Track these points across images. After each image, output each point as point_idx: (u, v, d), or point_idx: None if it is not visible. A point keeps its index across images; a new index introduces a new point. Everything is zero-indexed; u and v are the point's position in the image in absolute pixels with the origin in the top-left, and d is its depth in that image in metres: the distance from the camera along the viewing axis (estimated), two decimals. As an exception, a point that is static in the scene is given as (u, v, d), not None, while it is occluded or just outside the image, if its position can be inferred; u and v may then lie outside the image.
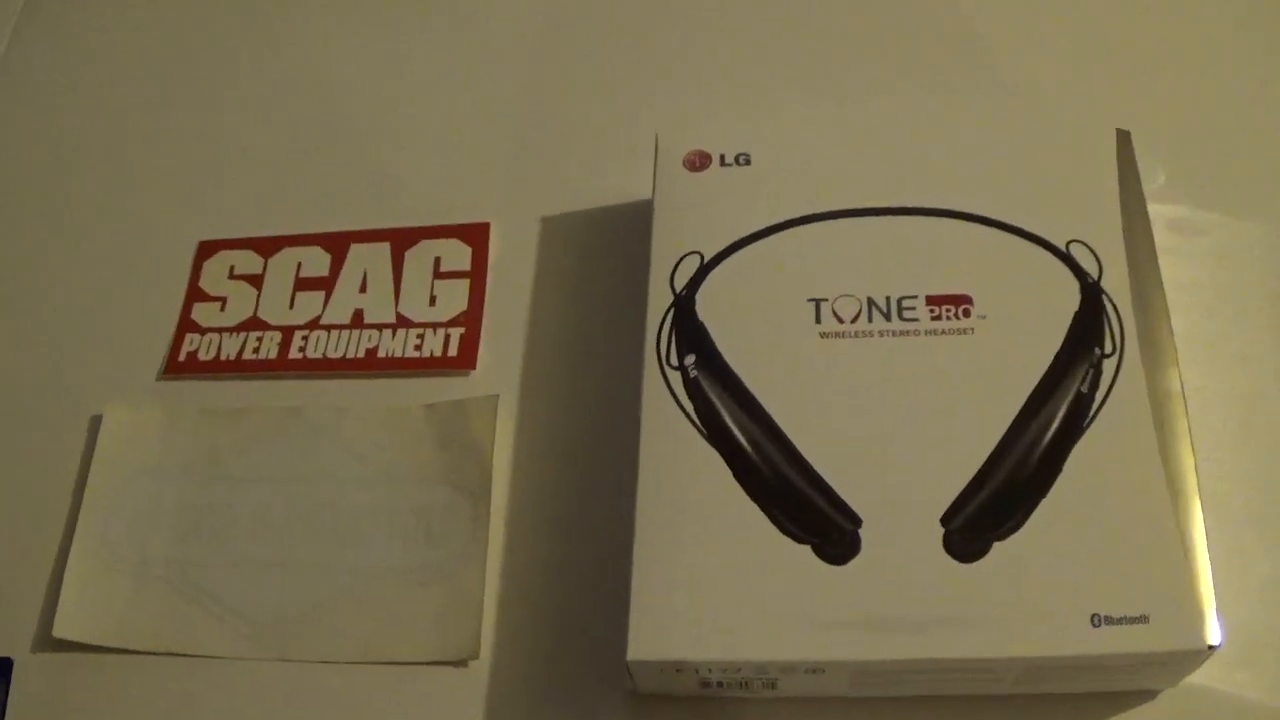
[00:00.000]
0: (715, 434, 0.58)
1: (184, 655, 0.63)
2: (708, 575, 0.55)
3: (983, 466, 0.56)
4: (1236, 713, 0.57)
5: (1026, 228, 0.62)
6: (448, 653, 0.61)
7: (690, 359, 0.60)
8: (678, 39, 0.81)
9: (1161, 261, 0.61)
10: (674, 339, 0.61)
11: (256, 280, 0.74)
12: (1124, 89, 0.76)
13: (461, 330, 0.70)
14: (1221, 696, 0.57)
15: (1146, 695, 0.57)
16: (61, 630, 0.64)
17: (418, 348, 0.70)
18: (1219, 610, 0.52)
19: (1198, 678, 0.56)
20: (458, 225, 0.75)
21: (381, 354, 0.70)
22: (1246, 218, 0.70)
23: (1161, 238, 0.63)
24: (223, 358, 0.72)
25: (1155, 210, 0.63)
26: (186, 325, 0.73)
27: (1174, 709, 0.57)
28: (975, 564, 0.54)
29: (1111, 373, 0.58)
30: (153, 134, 0.83)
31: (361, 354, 0.70)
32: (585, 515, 0.64)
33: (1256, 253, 0.69)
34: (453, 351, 0.70)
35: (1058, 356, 0.58)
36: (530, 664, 0.61)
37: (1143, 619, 0.52)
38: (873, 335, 0.60)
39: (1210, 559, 0.53)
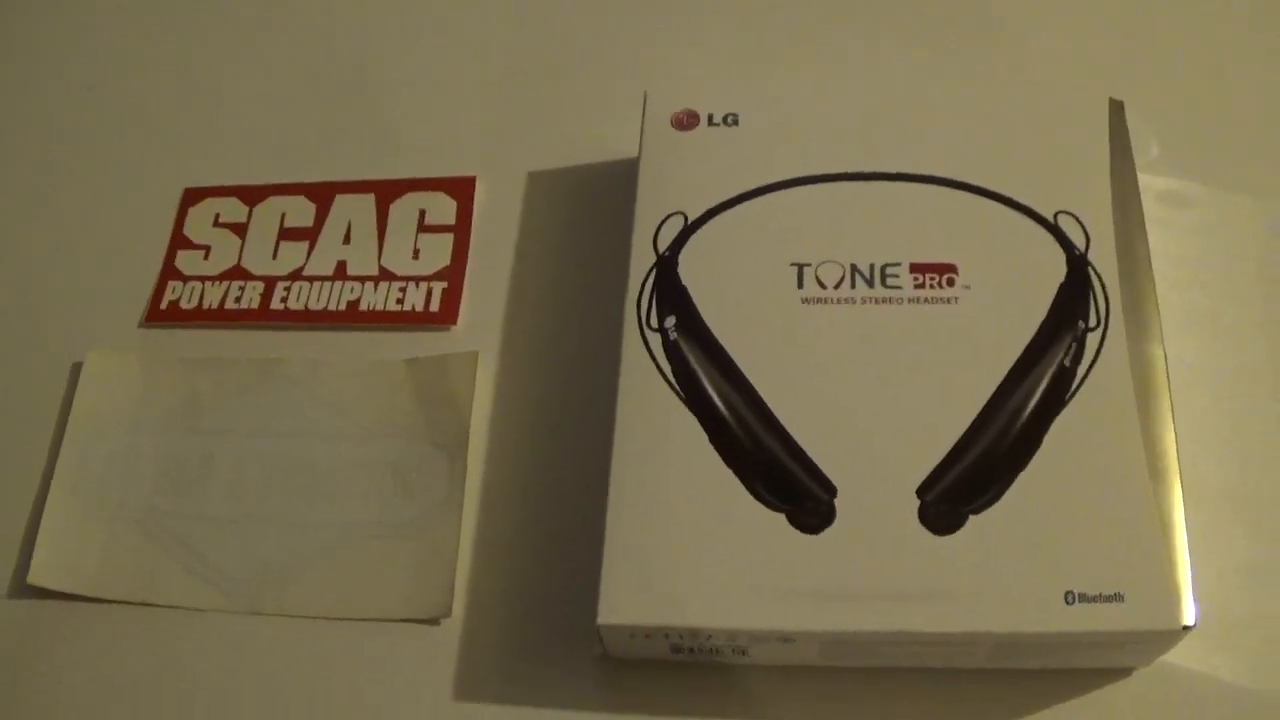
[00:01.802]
0: (693, 398, 0.58)
1: (158, 606, 0.63)
2: (680, 540, 0.55)
3: (961, 438, 0.56)
4: (1210, 693, 0.56)
5: (1014, 197, 0.61)
6: (420, 610, 0.61)
7: (670, 321, 0.60)
8: (670, -4, 0.81)
9: (1150, 234, 0.61)
10: (655, 300, 0.60)
11: (241, 229, 0.74)
12: (1119, 58, 0.75)
13: (444, 285, 0.70)
14: (1196, 676, 0.57)
15: (1120, 673, 0.57)
16: (36, 578, 0.63)
17: (399, 301, 0.70)
18: (1196, 590, 0.52)
19: (1172, 657, 0.56)
20: (443, 178, 0.74)
21: (363, 307, 0.70)
22: (1238, 192, 0.69)
23: (1151, 210, 0.62)
24: (205, 307, 0.71)
25: (1146, 182, 0.63)
26: (169, 273, 0.73)
27: (1148, 687, 0.57)
28: (950, 537, 0.54)
29: (1095, 347, 0.57)
30: (141, 79, 0.82)
31: (343, 306, 0.70)
32: (562, 475, 0.64)
33: (1247, 228, 0.68)
34: (434, 306, 0.69)
35: (1041, 329, 0.58)
36: (502, 624, 0.61)
37: (1118, 597, 0.52)
38: (855, 302, 0.59)
39: (1188, 539, 0.53)
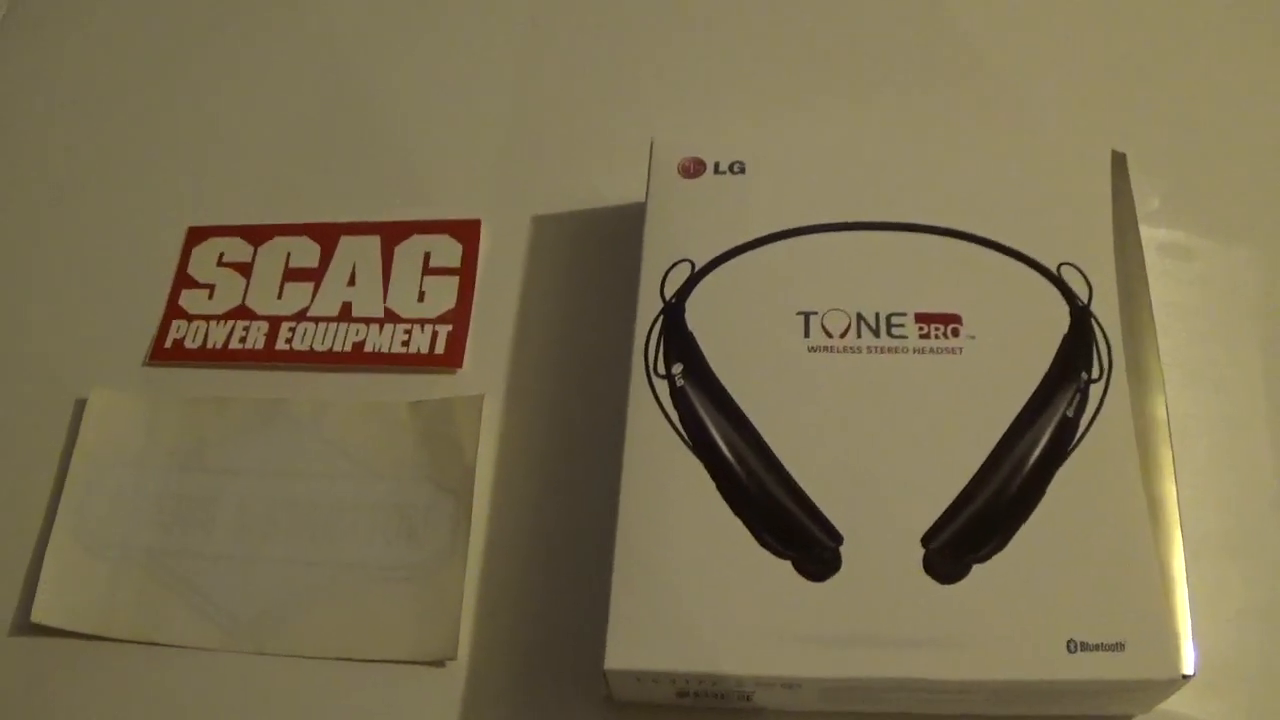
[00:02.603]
0: (700, 445, 0.58)
1: (161, 645, 0.63)
2: (687, 586, 0.55)
3: (965, 488, 0.56)
4: (1208, 741, 0.57)
5: (1018, 248, 0.62)
6: (425, 652, 0.61)
7: (678, 368, 0.60)
8: (677, 44, 0.81)
9: (1152, 285, 0.61)
10: (662, 347, 0.61)
11: (245, 269, 0.74)
12: (1121, 110, 0.75)
13: (449, 327, 0.70)
14: (1194, 723, 0.57)
15: (1120, 720, 0.57)
16: (40, 616, 0.63)
17: (405, 343, 0.70)
18: (1195, 639, 0.53)
19: (1171, 704, 0.56)
20: (449, 221, 0.74)
21: (368, 348, 0.70)
22: (1239, 244, 0.70)
23: (1153, 261, 0.63)
24: (209, 346, 0.71)
25: (1148, 234, 0.64)
26: (174, 312, 0.73)
27: (1147, 734, 0.57)
28: (954, 585, 0.54)
29: (1098, 398, 0.58)
30: (146, 119, 0.83)
31: (348, 348, 0.70)
32: (567, 520, 0.64)
33: (1248, 279, 0.69)
34: (440, 349, 0.69)
35: (1044, 379, 0.58)
36: (508, 667, 0.61)
37: (1119, 646, 0.52)
38: (861, 351, 0.60)
39: (1188, 588, 0.54)
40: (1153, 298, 0.61)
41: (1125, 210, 0.63)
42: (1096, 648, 0.52)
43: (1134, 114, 0.75)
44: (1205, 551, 0.59)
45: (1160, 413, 0.58)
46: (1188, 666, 0.52)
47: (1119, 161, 0.65)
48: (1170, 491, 0.56)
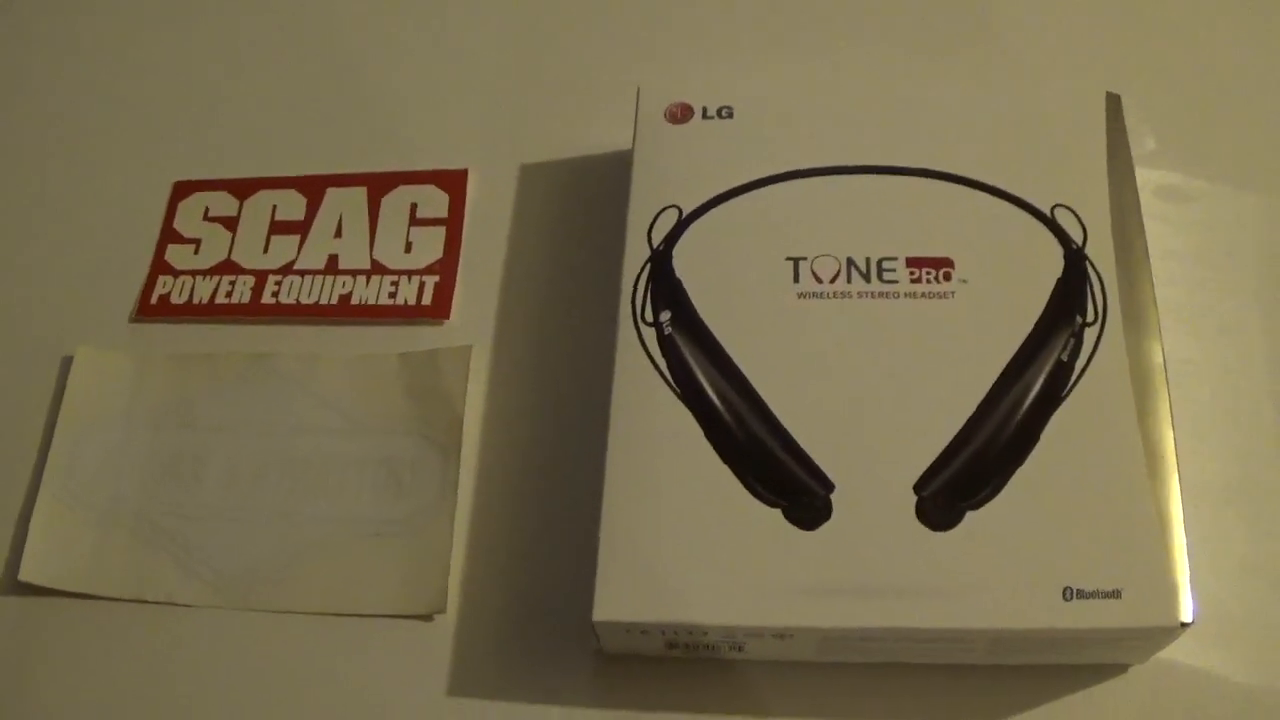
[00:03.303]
0: (688, 393, 0.57)
1: (149, 602, 0.62)
2: (676, 536, 0.54)
3: (958, 434, 0.55)
4: (1206, 690, 0.56)
5: (1011, 191, 0.61)
6: (414, 606, 0.61)
7: (665, 315, 0.59)
8: (664, -11, 0.80)
9: (1148, 229, 0.60)
10: (650, 294, 0.60)
11: (231, 223, 0.73)
12: (1115, 52, 0.75)
13: (436, 278, 0.70)
14: (1192, 673, 0.57)
15: (1117, 669, 0.57)
16: (27, 574, 0.63)
17: (392, 295, 0.69)
18: (1194, 587, 0.52)
19: (1169, 653, 0.55)
20: (435, 171, 0.74)
21: (355, 301, 0.69)
22: (1236, 186, 0.69)
23: (1149, 204, 0.62)
24: (195, 301, 0.71)
25: (1144, 176, 0.63)
26: (160, 267, 0.72)
27: (1144, 684, 0.57)
28: (947, 533, 0.53)
29: (1092, 342, 0.57)
30: (131, 73, 0.82)
31: (335, 300, 0.69)
32: (556, 470, 0.64)
33: (1245, 223, 0.68)
34: (427, 300, 0.69)
35: (1038, 323, 0.58)
36: (496, 620, 0.60)
37: (1115, 594, 0.52)
38: (851, 296, 0.59)
39: (1186, 535, 0.53)
40: (1149, 243, 0.60)
41: (1120, 153, 0.62)
42: (1093, 595, 0.52)
43: (1128, 55, 0.74)
44: (1205, 501, 0.59)
45: (1157, 357, 0.57)
46: (1186, 614, 0.51)
47: (1114, 103, 0.64)
48: (1167, 436, 0.55)
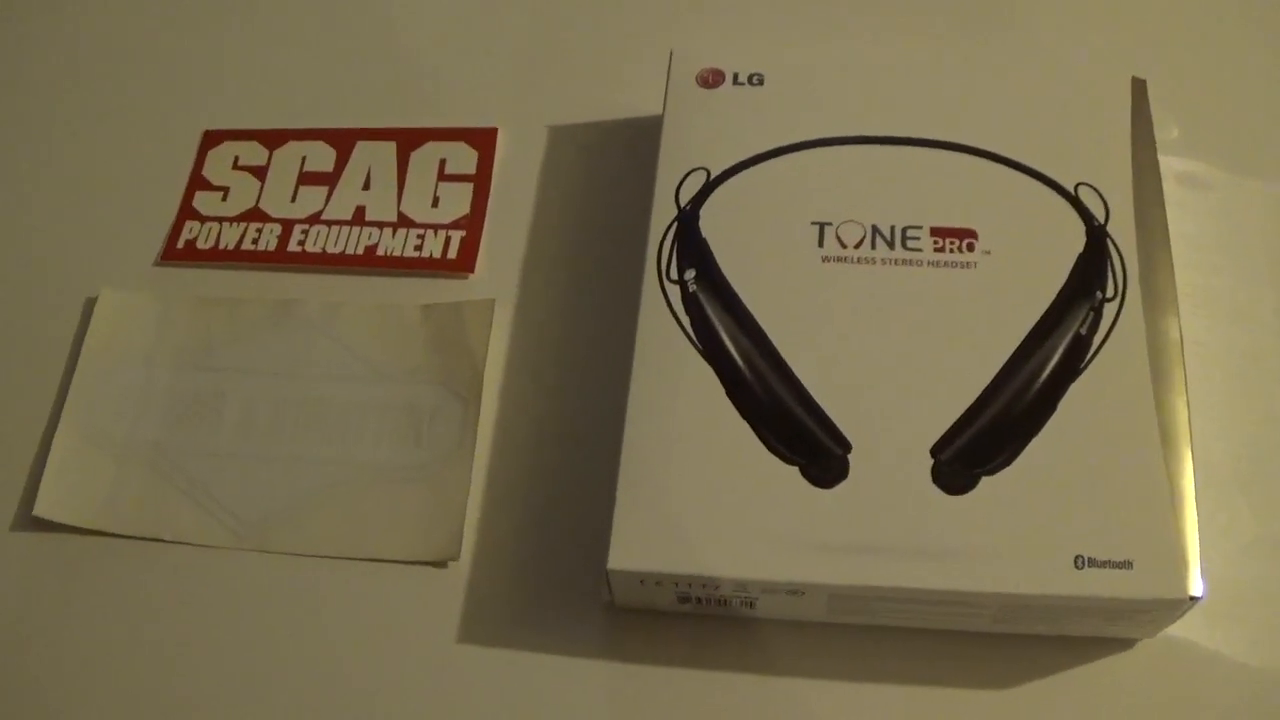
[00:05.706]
0: (710, 350, 0.58)
1: (165, 541, 0.63)
2: (693, 489, 0.55)
3: (976, 400, 0.56)
4: (1212, 667, 0.57)
5: (1036, 167, 0.61)
6: (428, 553, 0.61)
7: (690, 274, 0.60)
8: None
9: (1169, 215, 0.61)
10: (675, 253, 0.61)
11: (260, 172, 0.74)
12: (1143, 37, 0.75)
13: (462, 233, 0.70)
14: (1198, 650, 0.57)
15: (1124, 644, 0.57)
16: (42, 510, 0.63)
17: (418, 248, 0.70)
18: (1203, 564, 0.52)
19: (1176, 630, 0.56)
20: (465, 129, 0.74)
21: (381, 252, 0.70)
22: (1256, 176, 0.69)
23: (1170, 190, 0.62)
24: (221, 247, 0.71)
25: (1165, 162, 0.63)
26: (187, 213, 0.73)
27: (1151, 659, 0.57)
28: (962, 497, 0.54)
29: (1111, 317, 0.58)
30: (164, 22, 0.82)
31: (360, 251, 0.70)
32: (575, 424, 0.64)
33: (1263, 212, 0.68)
34: (452, 254, 0.69)
35: (1058, 297, 0.58)
36: (510, 570, 0.61)
37: (1126, 564, 0.52)
38: (875, 262, 0.60)
39: (1197, 512, 0.53)
40: (1169, 227, 0.60)
41: (1144, 135, 0.63)
42: (1104, 565, 0.52)
43: (1155, 43, 0.75)
44: (1217, 482, 0.60)
45: (1174, 335, 0.57)
46: (1195, 588, 0.52)
47: (1139, 87, 0.64)
48: (1182, 412, 0.55)
